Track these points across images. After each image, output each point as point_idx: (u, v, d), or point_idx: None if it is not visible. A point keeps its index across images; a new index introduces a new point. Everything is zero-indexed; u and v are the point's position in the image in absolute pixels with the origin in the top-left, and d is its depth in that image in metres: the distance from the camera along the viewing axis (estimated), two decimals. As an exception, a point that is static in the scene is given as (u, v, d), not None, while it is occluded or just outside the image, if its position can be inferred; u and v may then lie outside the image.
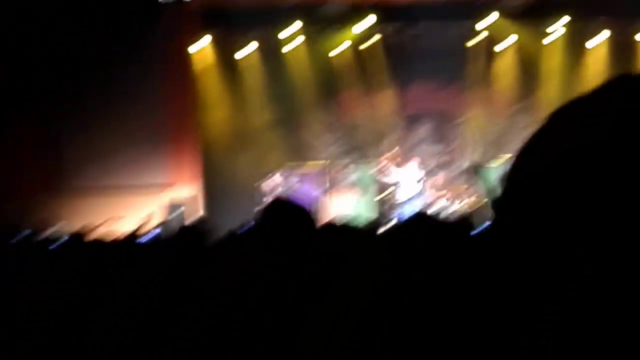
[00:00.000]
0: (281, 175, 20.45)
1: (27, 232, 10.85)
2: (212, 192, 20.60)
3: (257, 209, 19.12)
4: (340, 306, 2.94)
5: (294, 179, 20.39)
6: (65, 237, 8.90)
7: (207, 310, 3.92)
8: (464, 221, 7.78)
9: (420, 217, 5.37)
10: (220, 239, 9.43)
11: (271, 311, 2.93)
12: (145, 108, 19.81)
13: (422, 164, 21.21)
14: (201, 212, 19.39)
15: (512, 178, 1.14)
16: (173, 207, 19.11)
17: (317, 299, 2.93)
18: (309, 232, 2.99)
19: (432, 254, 3.97)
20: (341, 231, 4.94)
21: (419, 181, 20.19)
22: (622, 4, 21.08)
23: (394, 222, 16.98)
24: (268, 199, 19.37)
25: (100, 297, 5.75)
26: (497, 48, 21.86)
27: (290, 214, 3.04)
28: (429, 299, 3.66)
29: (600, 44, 21.72)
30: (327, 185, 20.91)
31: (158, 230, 11.58)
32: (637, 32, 21.55)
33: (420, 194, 20.34)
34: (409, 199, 19.87)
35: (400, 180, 20.12)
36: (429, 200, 20.03)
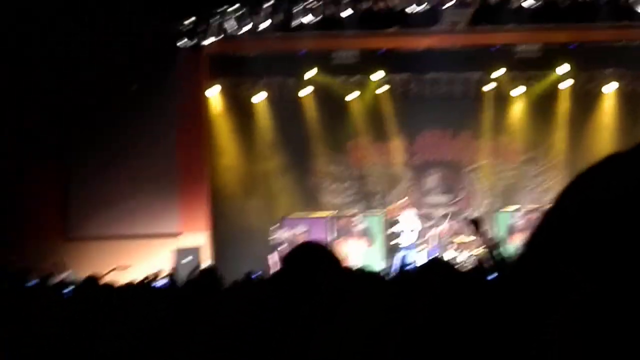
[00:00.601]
0: (289, 223, 20.38)
1: (35, 279, 10.81)
2: (221, 239, 20.54)
3: (273, 255, 19.15)
4: (348, 330, 2.93)
5: (302, 228, 20.33)
6: (76, 284, 8.87)
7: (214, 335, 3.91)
8: (479, 268, 7.77)
9: (436, 263, 5.33)
10: (230, 285, 9.41)
11: (279, 336, 2.91)
12: (156, 154, 19.80)
13: (429, 214, 21.23)
14: (210, 260, 19.33)
15: (543, 226, 1.14)
16: (182, 255, 19.03)
17: (326, 321, 2.91)
18: (336, 275, 2.97)
19: (443, 293, 3.92)
20: (357, 274, 4.92)
21: (420, 230, 20.20)
22: (630, 55, 21.18)
23: (403, 269, 16.98)
24: (278, 247, 19.38)
25: (110, 339, 5.72)
26: (506, 98, 21.89)
27: (318, 257, 3.01)
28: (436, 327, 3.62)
29: (609, 93, 21.75)
30: (335, 234, 20.84)
31: (166, 280, 11.51)
32: (638, 81, 21.59)
33: (424, 242, 20.40)
34: (415, 248, 19.88)
35: (407, 229, 20.08)
36: (436, 250, 19.97)
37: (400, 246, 19.82)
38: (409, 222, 19.88)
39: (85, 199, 20.09)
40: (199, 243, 19.65)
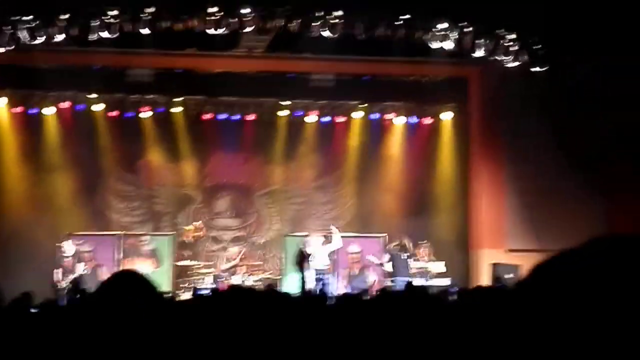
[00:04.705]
0: (76, 240, 19.84)
1: None
2: (6, 255, 19.91)
3: (57, 271, 18.63)
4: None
5: (88, 246, 19.87)
6: None
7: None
8: (271, 290, 7.83)
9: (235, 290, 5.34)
10: (14, 301, 9.11)
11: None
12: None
13: (218, 237, 21.26)
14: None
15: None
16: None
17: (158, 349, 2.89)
18: (155, 304, 2.93)
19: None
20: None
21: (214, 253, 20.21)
22: (420, 90, 21.80)
23: (191, 293, 16.89)
24: (62, 265, 18.90)
25: None
26: (299, 124, 22.16)
27: (135, 285, 2.96)
28: None
29: (397, 125, 22.36)
30: (122, 253, 20.49)
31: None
32: (426, 115, 22.32)
33: (212, 266, 20.50)
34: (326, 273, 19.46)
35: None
36: (225, 274, 19.96)
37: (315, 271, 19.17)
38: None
39: None
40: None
